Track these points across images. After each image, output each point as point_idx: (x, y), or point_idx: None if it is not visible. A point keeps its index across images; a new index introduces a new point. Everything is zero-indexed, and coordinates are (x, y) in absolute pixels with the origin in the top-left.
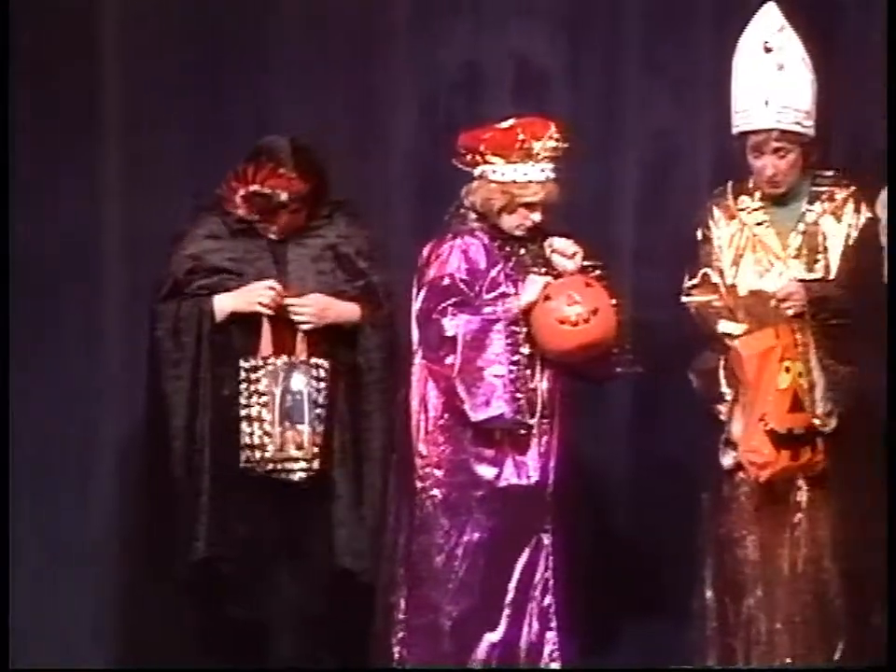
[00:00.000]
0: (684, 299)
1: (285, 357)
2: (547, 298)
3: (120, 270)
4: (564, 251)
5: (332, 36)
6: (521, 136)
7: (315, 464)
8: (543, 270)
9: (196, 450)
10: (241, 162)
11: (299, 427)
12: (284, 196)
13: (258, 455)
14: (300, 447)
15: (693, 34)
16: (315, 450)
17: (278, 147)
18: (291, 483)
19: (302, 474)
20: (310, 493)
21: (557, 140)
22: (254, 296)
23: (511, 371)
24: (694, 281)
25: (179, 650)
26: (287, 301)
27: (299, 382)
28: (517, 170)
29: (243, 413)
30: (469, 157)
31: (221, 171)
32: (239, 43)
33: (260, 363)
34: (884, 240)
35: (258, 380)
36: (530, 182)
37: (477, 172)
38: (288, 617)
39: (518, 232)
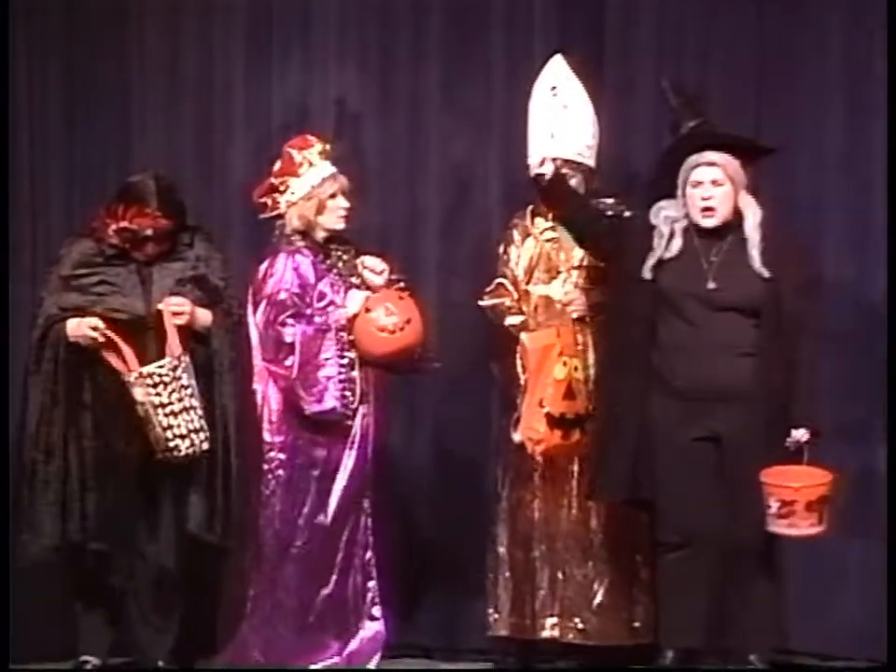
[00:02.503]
0: (480, 302)
1: (187, 355)
2: (367, 309)
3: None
4: (373, 268)
5: (182, 86)
6: (294, 154)
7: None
8: (359, 280)
9: (83, 448)
10: (113, 198)
11: (198, 411)
12: (150, 232)
13: (197, 438)
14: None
15: (486, 79)
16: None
17: (145, 188)
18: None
19: (206, 444)
20: (170, 475)
21: (320, 143)
22: (82, 331)
23: (340, 372)
24: (490, 287)
25: (55, 611)
26: (171, 301)
27: (189, 374)
28: (308, 176)
29: (168, 409)
30: (269, 202)
31: (93, 201)
32: (107, 93)
33: (178, 362)
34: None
35: (179, 377)
36: (323, 179)
37: (283, 205)
38: (151, 579)
39: (339, 225)
